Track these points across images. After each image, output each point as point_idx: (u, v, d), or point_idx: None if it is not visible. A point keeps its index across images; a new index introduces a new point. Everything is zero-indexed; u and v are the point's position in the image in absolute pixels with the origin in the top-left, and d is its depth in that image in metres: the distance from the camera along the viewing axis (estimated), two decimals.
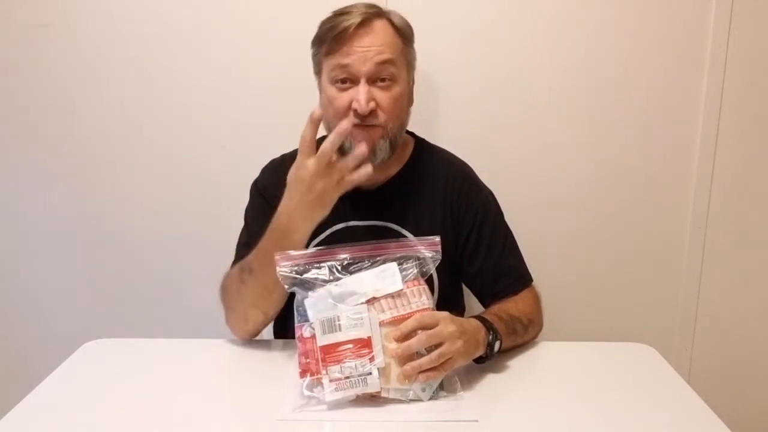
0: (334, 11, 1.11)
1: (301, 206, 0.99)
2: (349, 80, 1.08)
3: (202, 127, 1.54)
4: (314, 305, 0.93)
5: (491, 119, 1.53)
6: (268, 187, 1.19)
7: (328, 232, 1.17)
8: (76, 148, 1.56)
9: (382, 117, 1.09)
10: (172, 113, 1.53)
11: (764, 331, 1.65)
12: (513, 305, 1.14)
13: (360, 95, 1.06)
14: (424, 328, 0.91)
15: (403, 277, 0.94)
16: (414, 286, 0.95)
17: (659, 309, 1.64)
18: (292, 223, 1.01)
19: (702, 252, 1.60)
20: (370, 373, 0.89)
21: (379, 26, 1.09)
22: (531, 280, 1.22)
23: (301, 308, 0.94)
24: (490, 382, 1.00)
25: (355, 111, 1.07)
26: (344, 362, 0.89)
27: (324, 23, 1.11)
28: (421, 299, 0.94)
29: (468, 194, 1.21)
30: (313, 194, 0.98)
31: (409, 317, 0.92)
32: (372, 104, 1.07)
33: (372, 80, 1.08)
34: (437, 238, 0.98)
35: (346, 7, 1.11)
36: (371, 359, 0.89)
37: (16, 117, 1.55)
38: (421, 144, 1.25)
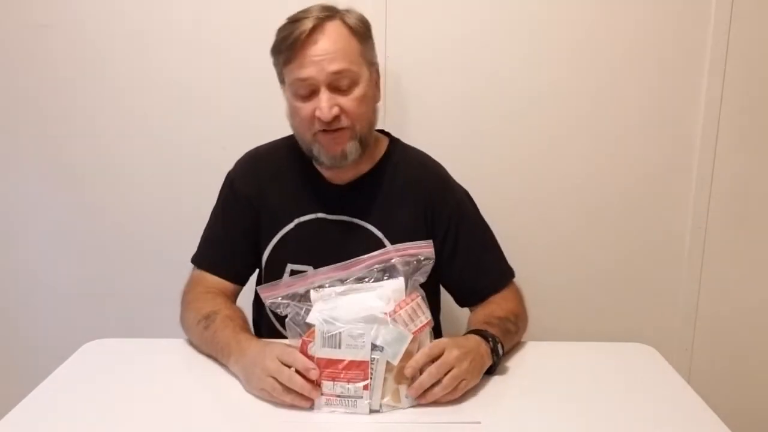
0: (289, 17, 1.09)
1: (241, 364, 0.98)
2: (310, 90, 1.07)
3: (202, 128, 1.54)
4: (319, 300, 0.93)
5: (491, 122, 1.53)
6: (239, 183, 1.21)
7: (296, 221, 1.17)
8: (76, 148, 1.56)
9: (346, 120, 1.08)
10: (172, 114, 1.53)
11: (764, 331, 1.66)
12: (497, 307, 1.14)
13: (322, 103, 1.05)
14: (432, 358, 0.92)
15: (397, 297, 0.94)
16: (409, 303, 0.93)
17: (659, 309, 1.64)
18: (231, 359, 1.00)
19: (702, 252, 1.60)
20: (361, 398, 0.89)
21: (331, 29, 1.06)
22: (512, 275, 1.21)
23: (299, 319, 0.94)
24: (492, 383, 1.00)
25: (319, 119, 1.07)
26: (338, 381, 0.90)
27: (279, 32, 1.09)
28: (419, 319, 0.94)
29: (442, 195, 1.20)
30: (251, 371, 0.95)
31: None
32: (335, 110, 1.06)
33: (332, 86, 1.07)
34: (430, 242, 0.98)
35: (300, 13, 1.09)
36: (365, 387, 0.89)
37: (15, 117, 1.55)
38: (394, 143, 1.24)
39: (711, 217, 1.58)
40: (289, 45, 1.06)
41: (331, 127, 1.08)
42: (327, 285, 0.95)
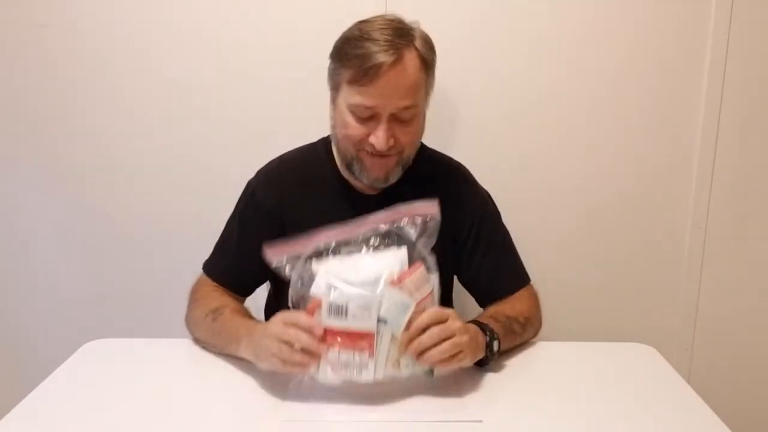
0: (360, 29, 1.05)
1: (251, 344, 0.98)
2: (370, 114, 1.05)
3: (202, 128, 1.54)
4: (322, 269, 0.93)
5: (492, 122, 1.53)
6: (261, 194, 1.19)
7: None
8: (76, 148, 1.56)
9: (398, 149, 1.08)
10: (172, 114, 1.53)
11: (764, 331, 1.66)
12: (509, 306, 1.14)
13: (380, 132, 1.04)
14: (436, 322, 0.92)
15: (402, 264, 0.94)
16: (414, 272, 0.93)
17: (659, 309, 1.64)
18: (242, 343, 1.00)
19: (702, 252, 1.60)
20: (366, 367, 0.90)
21: (408, 62, 1.03)
22: (528, 280, 1.22)
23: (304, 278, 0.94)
24: (493, 382, 1.01)
25: (372, 145, 1.06)
26: (343, 350, 0.90)
27: (350, 42, 1.05)
28: (424, 287, 0.94)
29: (466, 195, 1.22)
30: (258, 345, 0.95)
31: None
32: (391, 141, 1.06)
33: (393, 116, 1.05)
34: (435, 202, 0.98)
35: (373, 28, 1.04)
36: (370, 354, 0.89)
37: (15, 117, 1.55)
38: (421, 148, 1.23)
39: (711, 217, 1.58)
40: (363, 69, 1.01)
41: (380, 153, 1.07)
42: (330, 253, 0.95)
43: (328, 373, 0.91)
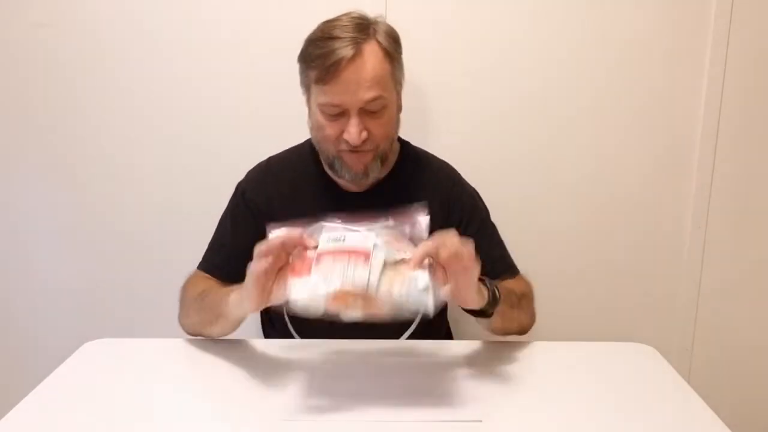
0: (323, 30, 1.08)
1: (238, 288, 0.96)
2: (340, 112, 1.07)
3: (201, 128, 1.54)
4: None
5: (493, 122, 1.53)
6: (250, 194, 1.20)
7: None
8: (76, 148, 1.56)
9: (373, 143, 1.09)
10: (171, 113, 1.53)
11: (764, 331, 1.65)
12: (507, 282, 1.14)
13: (352, 128, 1.06)
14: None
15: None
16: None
17: (659, 309, 1.64)
18: (231, 295, 0.99)
19: (702, 252, 1.60)
20: (361, 276, 0.83)
21: (369, 54, 1.05)
22: (518, 270, 1.22)
23: None
24: (493, 382, 1.01)
25: (347, 141, 1.07)
26: (337, 259, 0.85)
27: (313, 43, 1.07)
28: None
29: (454, 192, 1.23)
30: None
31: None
32: (364, 134, 1.07)
33: (363, 110, 1.07)
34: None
35: (335, 26, 1.06)
36: (365, 260, 0.84)
37: (15, 117, 1.55)
38: (406, 146, 1.25)
39: (711, 217, 1.58)
40: (324, 68, 1.04)
41: (357, 149, 1.08)
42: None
43: (320, 281, 0.83)
